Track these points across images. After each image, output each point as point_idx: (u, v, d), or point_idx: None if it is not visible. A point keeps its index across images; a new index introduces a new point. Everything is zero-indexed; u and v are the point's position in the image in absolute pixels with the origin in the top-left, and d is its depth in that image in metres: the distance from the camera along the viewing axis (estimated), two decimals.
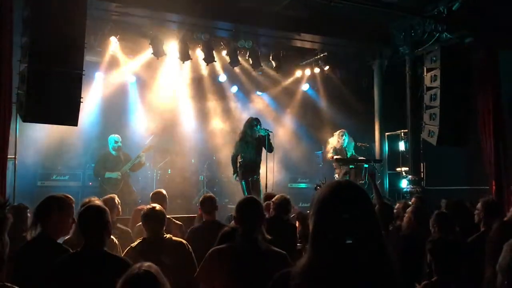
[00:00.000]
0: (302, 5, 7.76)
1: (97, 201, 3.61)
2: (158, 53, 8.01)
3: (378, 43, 9.05)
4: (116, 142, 7.96)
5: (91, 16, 6.17)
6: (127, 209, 6.33)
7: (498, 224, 2.87)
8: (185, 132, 10.62)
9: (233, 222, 3.21)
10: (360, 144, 9.20)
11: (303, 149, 11.19)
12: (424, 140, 8.00)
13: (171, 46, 8.39)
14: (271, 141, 7.64)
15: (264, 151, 7.68)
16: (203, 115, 11.01)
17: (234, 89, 11.19)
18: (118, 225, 4.39)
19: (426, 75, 7.78)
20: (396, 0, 7.57)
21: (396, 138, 9.60)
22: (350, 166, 8.37)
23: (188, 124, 10.75)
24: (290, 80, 10.97)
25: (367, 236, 1.39)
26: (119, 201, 4.58)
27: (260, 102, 11.82)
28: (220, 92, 11.09)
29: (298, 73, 10.71)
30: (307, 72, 10.45)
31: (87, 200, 3.77)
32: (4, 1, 5.32)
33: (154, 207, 3.53)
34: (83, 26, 5.75)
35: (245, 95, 11.47)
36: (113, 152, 7.96)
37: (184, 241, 3.56)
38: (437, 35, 7.76)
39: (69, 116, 5.66)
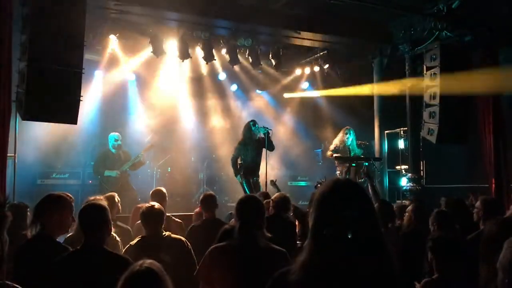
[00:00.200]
0: (302, 3, 7.75)
1: (102, 200, 3.56)
2: (158, 51, 7.99)
3: (378, 41, 9.03)
4: (116, 140, 7.95)
5: (90, 14, 6.15)
6: (127, 207, 6.33)
7: (494, 222, 2.84)
8: (184, 130, 10.63)
9: (233, 220, 3.21)
10: (359, 142, 9.19)
11: (303, 147, 11.20)
12: (423, 138, 7.98)
13: (171, 44, 8.38)
14: (271, 139, 7.65)
15: (264, 152, 7.70)
16: (202, 114, 11.03)
17: (234, 87, 11.20)
18: (118, 223, 4.40)
19: (426, 73, 7.78)
20: None
21: (396, 136, 9.58)
22: (353, 164, 8.35)
23: (187, 122, 10.76)
24: (290, 78, 10.97)
25: (366, 233, 1.40)
26: (119, 199, 4.60)
27: (260, 101, 11.84)
28: (220, 91, 11.09)
29: (297, 71, 10.69)
30: (307, 70, 10.44)
31: (91, 198, 3.74)
32: (3, 0, 5.31)
33: (152, 206, 3.53)
34: (83, 24, 5.74)
35: (244, 93, 11.48)
36: (113, 150, 7.95)
37: (183, 239, 3.57)
38: (437, 33, 7.74)
39: (69, 114, 5.64)
